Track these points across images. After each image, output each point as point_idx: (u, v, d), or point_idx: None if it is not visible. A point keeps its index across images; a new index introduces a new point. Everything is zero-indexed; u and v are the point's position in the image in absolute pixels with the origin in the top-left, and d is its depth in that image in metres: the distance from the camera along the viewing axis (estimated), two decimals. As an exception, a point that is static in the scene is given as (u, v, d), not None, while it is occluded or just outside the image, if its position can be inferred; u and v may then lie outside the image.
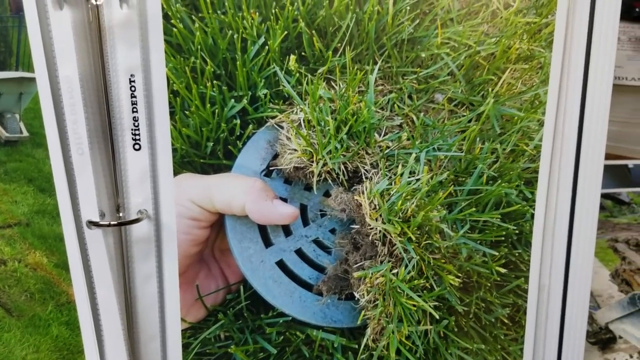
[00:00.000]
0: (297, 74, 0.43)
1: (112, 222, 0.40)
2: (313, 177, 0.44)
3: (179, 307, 0.44)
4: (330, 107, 0.43)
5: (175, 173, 0.42)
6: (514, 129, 0.46)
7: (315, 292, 0.46)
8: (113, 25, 0.38)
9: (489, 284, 0.47)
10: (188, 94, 0.42)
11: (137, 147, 0.40)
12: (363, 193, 0.43)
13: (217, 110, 0.43)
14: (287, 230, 0.46)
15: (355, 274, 0.44)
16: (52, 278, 0.52)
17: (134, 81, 0.39)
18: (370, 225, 0.43)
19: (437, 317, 0.45)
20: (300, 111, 0.43)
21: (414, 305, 0.44)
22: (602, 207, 0.77)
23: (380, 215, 0.43)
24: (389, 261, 0.44)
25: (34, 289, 0.51)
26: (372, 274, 0.43)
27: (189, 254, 0.44)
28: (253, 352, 0.46)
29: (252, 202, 0.43)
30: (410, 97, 0.45)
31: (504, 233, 0.46)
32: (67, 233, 0.40)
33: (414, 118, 0.45)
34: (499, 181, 0.45)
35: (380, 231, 0.43)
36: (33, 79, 0.37)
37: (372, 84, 0.43)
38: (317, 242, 0.46)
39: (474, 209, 0.45)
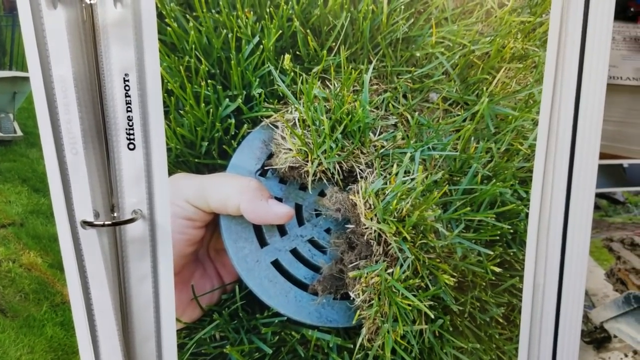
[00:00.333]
0: (292, 73, 0.43)
1: (106, 222, 0.40)
2: (308, 176, 0.44)
3: (174, 307, 0.44)
4: (325, 106, 0.43)
5: (170, 173, 0.42)
6: (508, 128, 0.46)
7: (310, 291, 0.46)
8: (107, 25, 0.37)
9: (483, 283, 0.48)
10: (182, 93, 0.42)
11: (131, 146, 0.40)
12: (358, 193, 0.43)
13: (211, 110, 0.43)
14: (282, 230, 0.46)
15: (351, 274, 0.44)
16: (46, 278, 0.51)
17: (128, 80, 0.39)
18: (365, 225, 0.43)
19: (432, 316, 0.45)
20: (295, 110, 0.43)
21: (409, 305, 0.44)
22: (597, 207, 0.78)
23: (375, 215, 0.43)
24: (384, 261, 0.44)
25: (28, 290, 0.51)
26: (367, 273, 0.43)
27: (184, 254, 0.44)
28: (248, 352, 0.46)
29: (247, 202, 0.43)
30: (405, 96, 0.45)
31: (498, 232, 0.46)
32: (62, 233, 0.40)
33: (409, 117, 0.45)
34: (494, 180, 0.45)
35: (375, 231, 0.43)
36: (27, 79, 0.37)
37: (366, 83, 0.44)
38: (313, 242, 0.46)
39: (468, 208, 0.45)
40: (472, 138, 0.45)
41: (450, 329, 0.47)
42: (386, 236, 0.43)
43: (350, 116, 0.43)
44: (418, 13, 0.44)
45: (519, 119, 0.46)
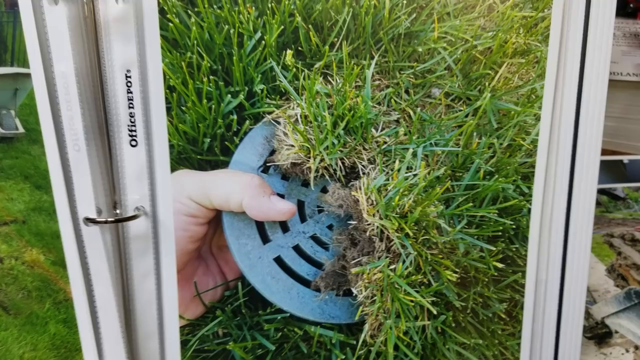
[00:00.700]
0: (294, 69, 0.43)
1: (109, 219, 0.40)
2: (310, 173, 0.44)
3: (177, 304, 0.43)
4: (327, 102, 0.43)
5: (172, 169, 0.42)
6: (510, 123, 0.46)
7: (313, 288, 0.46)
8: (109, 21, 0.37)
9: (486, 279, 0.47)
10: (184, 89, 0.42)
11: (133, 143, 0.40)
12: (360, 189, 0.43)
13: (213, 106, 0.43)
14: (284, 226, 0.46)
15: (353, 270, 0.44)
16: (49, 275, 0.51)
17: (130, 77, 0.38)
18: (367, 221, 0.43)
19: (435, 312, 0.45)
20: (297, 106, 0.43)
21: (412, 301, 0.44)
22: (598, 203, 0.78)
23: (378, 211, 0.43)
24: (386, 257, 0.44)
25: (31, 287, 0.51)
26: (369, 269, 0.43)
27: (187, 251, 0.44)
28: (251, 348, 0.46)
29: (249, 199, 0.43)
30: (407, 91, 0.45)
31: (501, 228, 0.46)
32: (64, 230, 0.40)
33: (411, 113, 0.45)
34: (496, 176, 0.45)
35: (377, 227, 0.43)
36: (28, 75, 0.37)
37: (369, 78, 0.43)
38: (315, 238, 0.46)
39: (471, 204, 0.45)
40: (475, 133, 0.45)
41: (453, 324, 0.47)
42: (388, 232, 0.43)
43: (352, 112, 0.43)
44: (420, 8, 0.44)
45: (521, 114, 0.46)
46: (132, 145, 0.40)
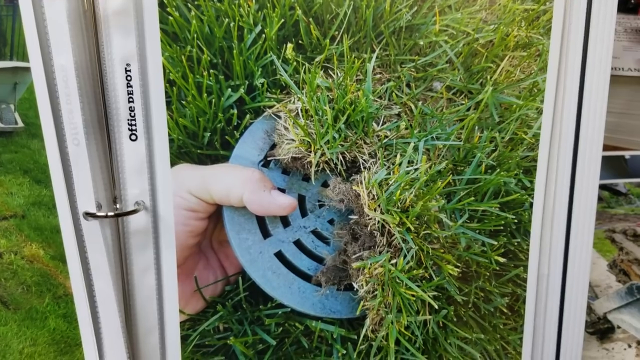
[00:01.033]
0: (295, 63, 0.43)
1: (109, 214, 0.40)
2: (311, 167, 0.44)
3: (177, 299, 0.43)
4: (327, 96, 0.43)
5: (172, 164, 0.41)
6: (512, 117, 0.45)
7: (314, 283, 0.46)
8: (108, 14, 0.37)
9: (488, 274, 0.47)
10: (184, 83, 0.41)
11: (133, 137, 0.40)
12: (361, 183, 0.43)
13: (213, 100, 0.43)
14: (285, 221, 0.46)
15: (354, 265, 0.44)
16: (49, 270, 0.51)
17: (129, 70, 0.38)
18: (368, 216, 0.43)
19: (436, 307, 0.45)
20: (298, 100, 0.43)
21: (413, 296, 0.43)
22: (599, 198, 0.77)
23: (379, 206, 0.42)
24: (387, 251, 0.43)
25: (30, 282, 0.51)
26: (370, 264, 0.43)
27: (187, 246, 0.44)
28: (252, 343, 0.46)
29: (250, 193, 0.42)
30: (408, 85, 0.45)
31: (502, 222, 0.46)
32: (64, 225, 0.40)
33: (412, 107, 0.45)
34: (498, 170, 0.45)
35: (378, 221, 0.43)
36: (28, 69, 0.37)
37: (370, 72, 0.43)
38: (316, 233, 0.46)
39: (472, 198, 0.45)
40: (476, 127, 0.45)
41: (454, 319, 0.47)
42: (390, 227, 0.43)
43: (353, 106, 0.43)
44: (421, 1, 0.44)
45: (523, 108, 0.45)
46: (132, 140, 0.40)
